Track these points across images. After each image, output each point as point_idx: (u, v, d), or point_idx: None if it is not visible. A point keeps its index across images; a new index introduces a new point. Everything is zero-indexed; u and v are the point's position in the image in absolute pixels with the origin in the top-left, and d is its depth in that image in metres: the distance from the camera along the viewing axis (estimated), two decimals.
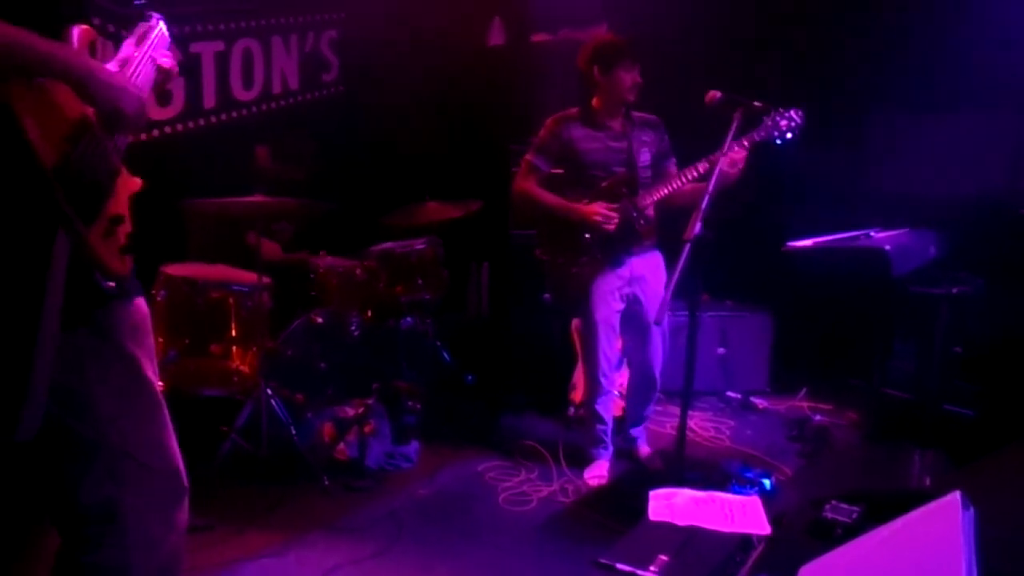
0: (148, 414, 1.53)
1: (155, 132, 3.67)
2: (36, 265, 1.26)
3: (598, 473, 3.19)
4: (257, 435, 3.08)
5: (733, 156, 2.76)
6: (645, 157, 3.08)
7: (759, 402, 4.03)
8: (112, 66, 1.58)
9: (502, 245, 4.24)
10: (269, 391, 3.11)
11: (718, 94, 2.73)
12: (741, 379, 4.13)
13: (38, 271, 1.26)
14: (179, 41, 3.49)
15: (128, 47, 1.63)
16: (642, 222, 3.03)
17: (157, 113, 3.69)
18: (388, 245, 3.64)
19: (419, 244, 3.62)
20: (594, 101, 3.08)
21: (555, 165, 3.09)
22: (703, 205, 2.49)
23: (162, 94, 1.75)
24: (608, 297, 3.07)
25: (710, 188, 2.56)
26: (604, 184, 3.05)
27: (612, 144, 3.07)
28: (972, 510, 1.36)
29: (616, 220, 2.97)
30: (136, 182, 1.60)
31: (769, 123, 2.78)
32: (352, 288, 3.56)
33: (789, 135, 2.80)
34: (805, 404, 3.99)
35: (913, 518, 1.48)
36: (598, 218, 2.96)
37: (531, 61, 4.71)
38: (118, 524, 1.47)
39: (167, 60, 1.66)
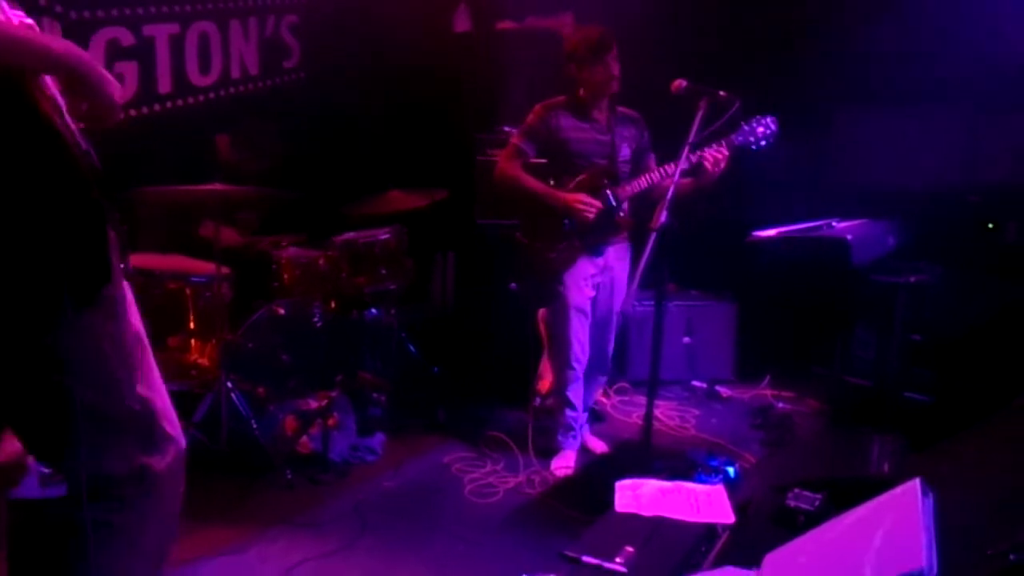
0: (159, 384, 1.57)
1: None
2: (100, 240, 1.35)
3: (565, 464, 3.20)
4: (217, 429, 3.01)
5: (716, 156, 2.82)
6: (625, 152, 3.12)
7: (724, 391, 4.08)
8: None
9: (468, 235, 4.20)
10: (229, 384, 3.04)
11: (683, 83, 2.74)
12: (706, 368, 4.16)
13: (102, 244, 1.36)
14: (131, 23, 3.37)
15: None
16: (621, 213, 3.07)
17: None
18: (351, 235, 3.57)
19: (383, 234, 3.56)
20: (579, 91, 3.08)
21: (540, 151, 3.11)
22: (668, 195, 2.50)
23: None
24: (582, 283, 3.12)
25: (675, 178, 2.58)
26: (585, 174, 3.07)
27: (598, 136, 3.10)
28: (931, 496, 1.38)
29: (596, 209, 3.00)
30: None
31: (747, 128, 2.86)
32: (314, 278, 3.49)
33: (764, 143, 2.87)
34: (769, 392, 4.04)
35: (874, 505, 1.49)
36: (579, 206, 2.98)
37: (497, 49, 4.66)
38: (154, 491, 1.49)
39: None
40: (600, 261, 3.13)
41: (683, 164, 2.65)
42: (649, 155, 3.20)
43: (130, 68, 3.64)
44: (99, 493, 1.42)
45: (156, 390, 1.55)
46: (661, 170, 2.98)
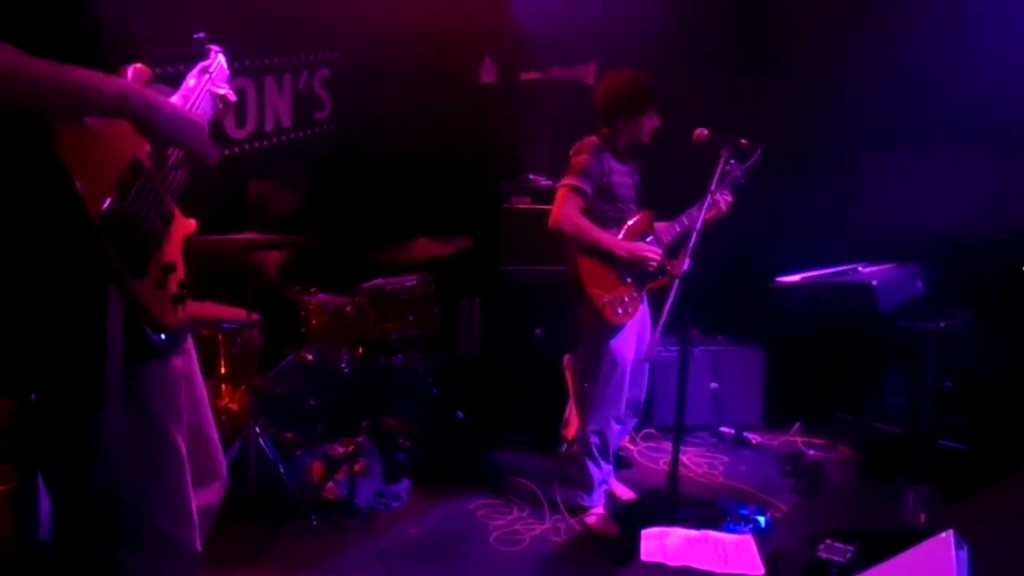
0: (169, 477, 1.46)
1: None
2: (92, 322, 1.22)
3: (598, 515, 3.13)
4: (245, 474, 3.03)
5: (727, 199, 2.93)
6: (637, 195, 3.15)
7: (753, 437, 4.01)
8: (175, 99, 1.59)
9: (493, 281, 4.25)
10: (258, 429, 3.08)
11: (705, 132, 2.79)
12: (734, 414, 4.11)
13: (95, 327, 1.22)
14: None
15: (189, 81, 1.65)
16: (668, 261, 3.00)
17: None
18: (379, 281, 3.64)
19: (410, 281, 3.62)
20: (607, 132, 3.03)
21: (594, 192, 2.97)
22: (692, 242, 2.52)
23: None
24: (632, 337, 3.05)
25: (698, 225, 2.60)
26: (632, 221, 3.05)
27: (628, 180, 3.09)
28: (965, 548, 1.35)
29: (658, 258, 2.98)
30: (191, 224, 1.56)
31: (728, 167, 2.74)
32: (342, 325, 3.55)
33: (743, 177, 2.86)
34: (799, 439, 3.97)
35: (907, 558, 1.46)
36: (648, 254, 2.95)
37: (521, 99, 4.77)
38: None
39: (226, 90, 1.68)
40: (642, 310, 3.11)
41: (706, 211, 2.66)
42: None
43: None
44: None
45: (166, 486, 1.44)
46: (686, 215, 3.01)
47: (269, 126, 4.42)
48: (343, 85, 4.79)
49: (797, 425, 4.04)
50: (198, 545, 1.51)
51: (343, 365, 3.42)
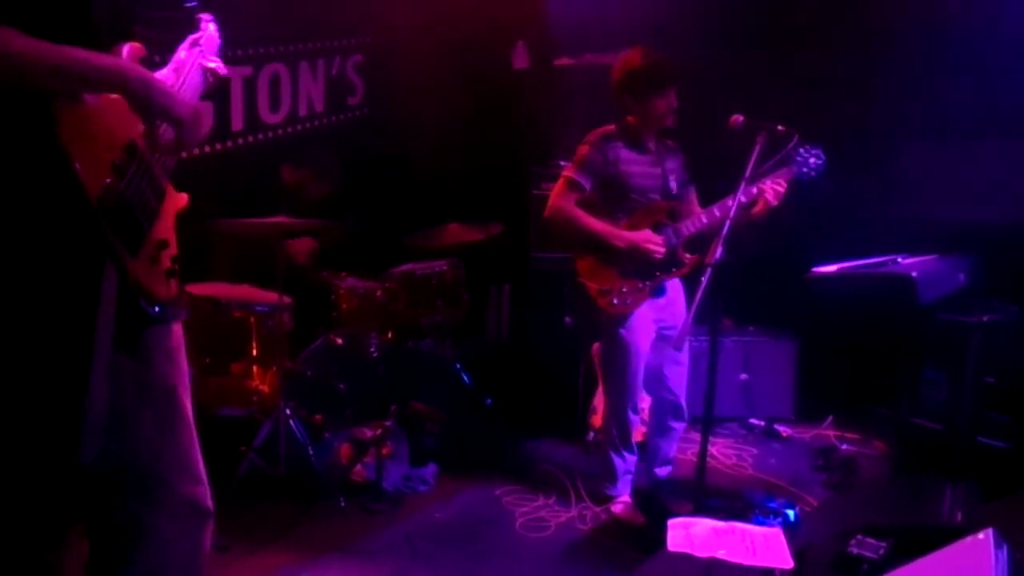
0: (180, 437, 1.52)
1: (183, 154, 3.74)
2: (86, 294, 1.26)
3: (623, 503, 3.10)
4: (275, 455, 3.08)
5: (776, 188, 2.78)
6: (673, 185, 3.02)
7: (783, 430, 3.95)
8: (166, 73, 1.59)
9: (523, 268, 4.23)
10: (288, 411, 3.11)
11: (741, 118, 2.72)
12: (764, 405, 4.05)
13: (89, 300, 1.26)
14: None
15: (180, 54, 1.64)
16: (684, 252, 2.97)
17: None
18: (409, 266, 3.65)
19: (440, 266, 3.62)
20: (630, 119, 2.97)
21: (596, 184, 2.95)
22: (724, 230, 2.48)
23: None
24: (647, 326, 2.99)
25: (731, 214, 2.55)
26: (640, 211, 2.97)
27: (651, 170, 2.98)
28: (1005, 547, 1.31)
29: (664, 249, 2.90)
30: (182, 198, 1.59)
31: (800, 159, 2.78)
32: (372, 309, 3.57)
33: (815, 173, 2.81)
34: (831, 433, 3.90)
35: (943, 555, 1.42)
36: (649, 246, 2.88)
37: (554, 85, 4.72)
38: (147, 544, 1.47)
39: (216, 63, 1.66)
40: (662, 301, 3.02)
41: (741, 198, 2.62)
42: (691, 187, 3.11)
43: (206, 108, 3.84)
44: (98, 536, 1.41)
45: (176, 445, 1.50)
46: (718, 206, 2.87)
47: (303, 111, 4.45)
48: (376, 70, 4.80)
49: (829, 419, 3.97)
50: (210, 503, 1.57)
51: (372, 349, 3.44)
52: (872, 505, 2.51)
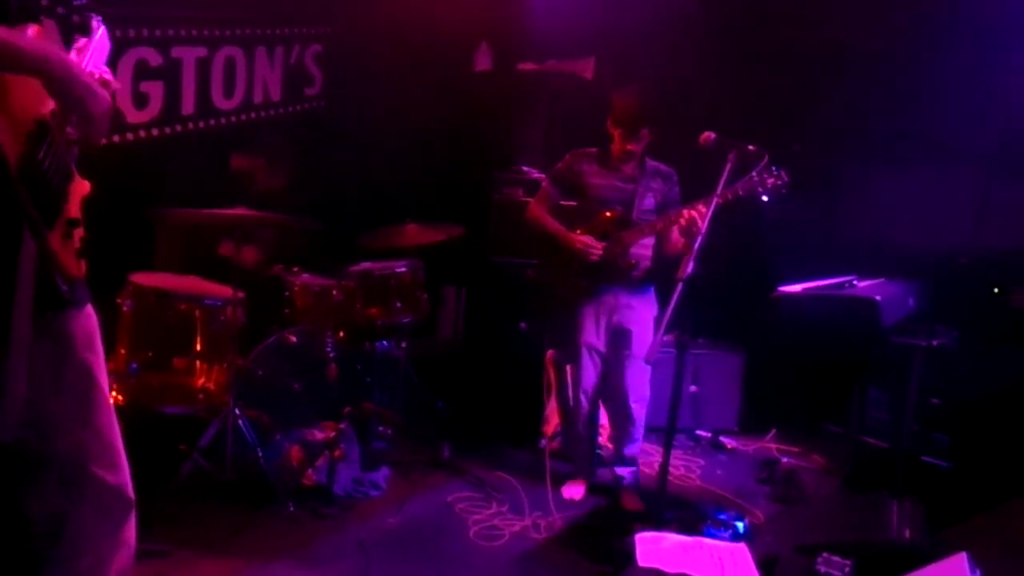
0: (101, 424, 1.48)
1: (129, 135, 3.55)
2: (4, 267, 1.23)
3: (575, 491, 3.27)
4: (221, 456, 2.95)
5: (692, 214, 2.75)
6: (648, 202, 3.18)
7: (728, 441, 4.04)
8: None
9: (481, 272, 4.19)
10: (237, 411, 2.99)
11: (712, 135, 2.75)
12: (711, 418, 4.12)
13: (7, 273, 1.23)
14: (160, 44, 3.36)
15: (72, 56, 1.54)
16: (626, 259, 3.13)
17: (133, 116, 3.56)
18: (367, 265, 3.55)
19: (400, 267, 3.54)
20: (613, 145, 3.19)
21: (567, 195, 3.27)
22: (696, 246, 2.51)
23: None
24: (590, 324, 3.20)
25: (703, 229, 2.58)
26: (596, 219, 3.17)
27: (620, 184, 3.20)
28: (979, 572, 1.36)
29: (598, 252, 3.10)
30: (86, 185, 1.55)
31: (756, 178, 2.75)
32: (327, 307, 3.46)
33: (768, 196, 2.78)
34: (773, 445, 4.00)
35: None
36: (582, 247, 3.11)
37: (517, 89, 4.71)
38: (65, 540, 1.41)
39: (107, 74, 1.57)
40: (609, 301, 3.17)
41: (710, 215, 2.64)
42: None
43: (156, 88, 3.65)
44: (12, 531, 1.35)
45: (98, 432, 1.47)
46: (663, 219, 3.03)
47: (258, 98, 4.29)
48: (335, 63, 4.67)
49: (772, 432, 4.08)
50: (131, 492, 1.53)
51: (327, 348, 3.34)
52: (824, 521, 2.59)
